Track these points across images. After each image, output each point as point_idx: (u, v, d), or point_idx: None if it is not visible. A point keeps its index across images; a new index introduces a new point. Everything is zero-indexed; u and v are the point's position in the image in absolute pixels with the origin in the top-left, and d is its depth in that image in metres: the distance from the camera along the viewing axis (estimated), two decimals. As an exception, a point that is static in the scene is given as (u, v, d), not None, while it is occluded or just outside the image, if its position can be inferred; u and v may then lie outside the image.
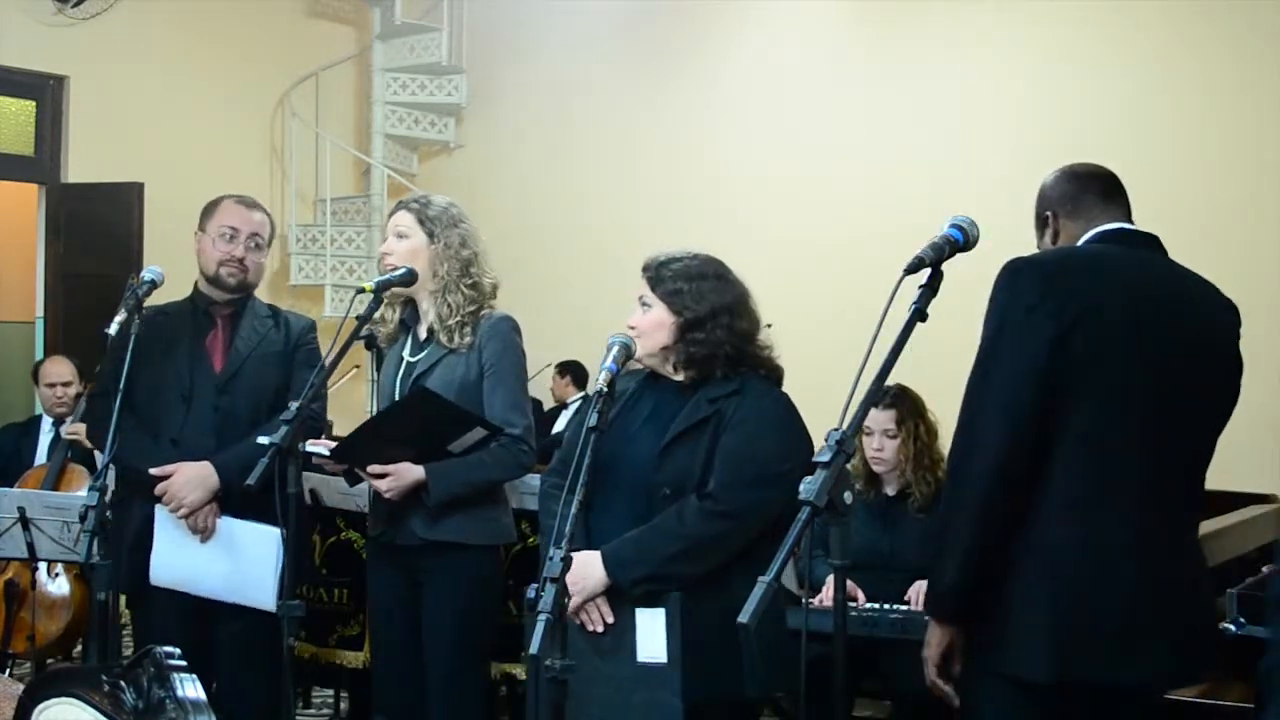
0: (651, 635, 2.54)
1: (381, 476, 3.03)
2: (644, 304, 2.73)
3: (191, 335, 3.35)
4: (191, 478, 3.19)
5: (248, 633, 3.20)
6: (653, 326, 2.69)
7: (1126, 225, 2.40)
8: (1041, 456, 2.18)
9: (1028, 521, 2.19)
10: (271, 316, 3.45)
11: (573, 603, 2.55)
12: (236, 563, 3.19)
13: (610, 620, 2.58)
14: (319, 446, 3.10)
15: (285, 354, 3.38)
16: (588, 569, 2.56)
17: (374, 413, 3.35)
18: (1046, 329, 2.17)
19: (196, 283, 3.43)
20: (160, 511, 3.23)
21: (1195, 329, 2.29)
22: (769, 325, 2.80)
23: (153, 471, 3.19)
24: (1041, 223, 2.46)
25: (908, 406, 3.80)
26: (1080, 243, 2.38)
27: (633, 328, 2.73)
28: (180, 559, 3.23)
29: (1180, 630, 2.22)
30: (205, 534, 3.21)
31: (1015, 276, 2.22)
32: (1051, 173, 2.49)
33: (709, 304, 2.69)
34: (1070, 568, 2.17)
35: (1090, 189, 2.43)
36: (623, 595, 2.57)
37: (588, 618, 2.58)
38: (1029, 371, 2.16)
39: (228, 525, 3.22)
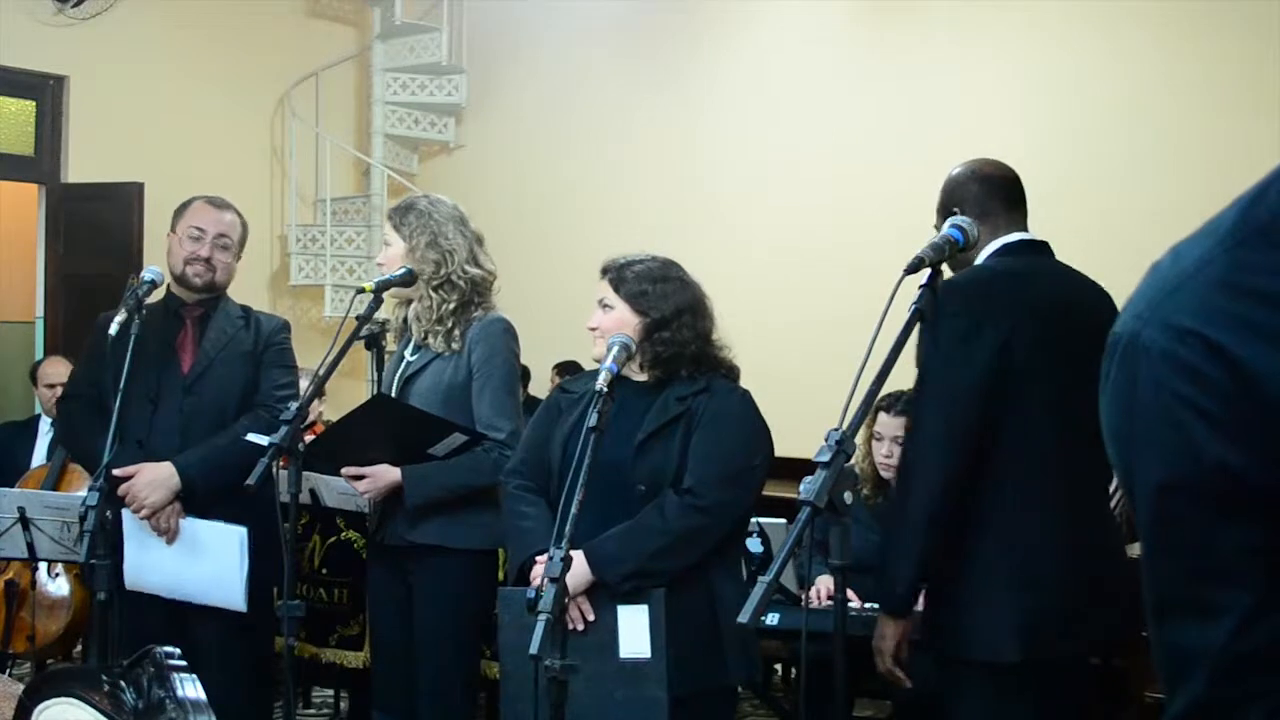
0: (634, 631, 2.56)
1: (359, 478, 3.04)
2: (605, 306, 2.78)
3: (161, 336, 3.34)
4: (152, 479, 3.18)
5: (226, 632, 3.20)
6: (616, 326, 2.74)
7: (1027, 235, 2.60)
8: (986, 462, 2.41)
9: (984, 521, 2.42)
10: (243, 317, 3.45)
11: None
12: (203, 564, 3.20)
13: (591, 618, 2.60)
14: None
15: (253, 354, 3.38)
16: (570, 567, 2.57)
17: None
18: (978, 350, 2.38)
19: (169, 284, 3.43)
20: (127, 514, 3.23)
21: (1098, 328, 2.49)
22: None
23: (116, 472, 3.18)
24: (946, 214, 2.54)
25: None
26: (987, 253, 2.55)
27: (594, 329, 2.77)
28: (149, 562, 3.23)
29: (1116, 599, 2.48)
30: (169, 535, 3.21)
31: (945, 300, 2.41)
32: (961, 166, 2.61)
33: (673, 304, 2.75)
34: (1025, 560, 2.41)
35: (997, 195, 2.59)
36: (603, 592, 2.60)
37: (568, 616, 2.57)
38: (965, 389, 2.39)
39: (191, 526, 3.22)
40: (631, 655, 2.56)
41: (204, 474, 3.20)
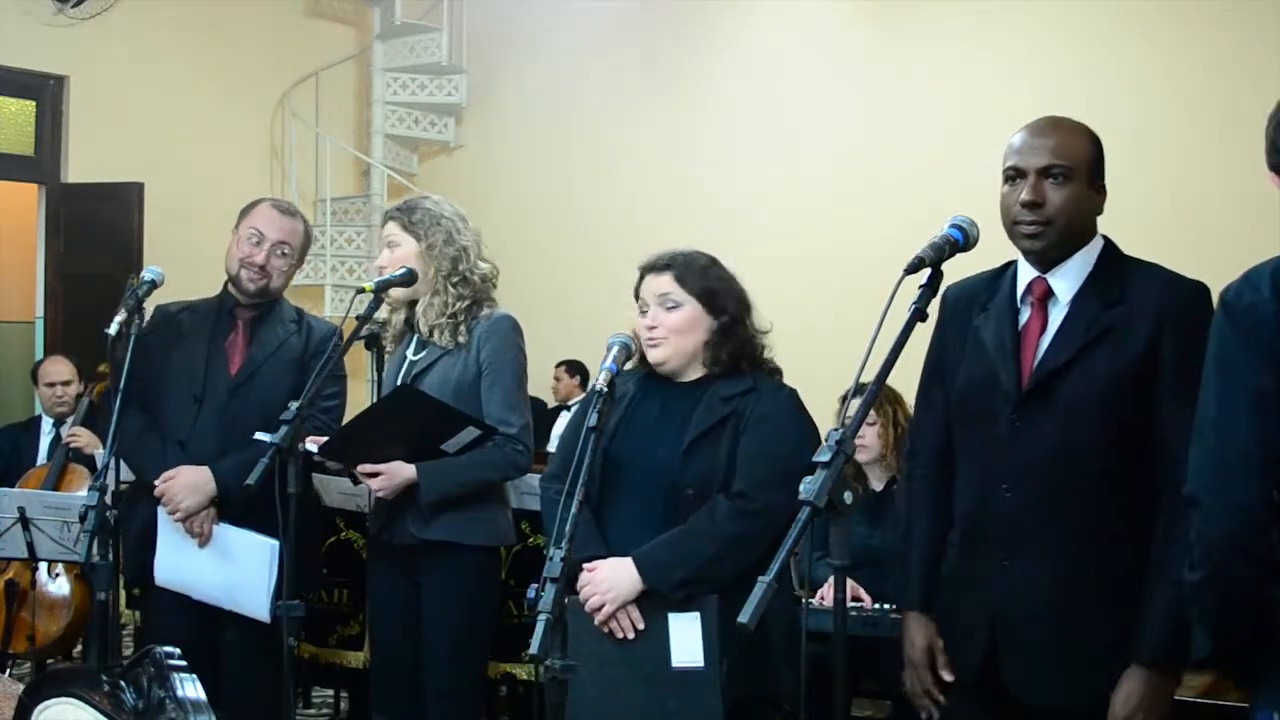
0: (686, 640, 2.49)
1: (374, 475, 3.03)
2: (671, 304, 2.64)
3: (211, 335, 3.30)
4: (189, 483, 3.16)
5: (250, 635, 3.19)
6: (687, 326, 2.63)
7: None
8: None
9: None
10: (296, 321, 3.38)
11: (605, 610, 2.52)
12: (231, 571, 3.18)
13: (641, 626, 2.53)
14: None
15: (302, 359, 3.29)
16: (619, 575, 2.52)
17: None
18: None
19: (225, 283, 3.37)
20: (162, 513, 3.22)
21: None
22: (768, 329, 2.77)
23: (157, 481, 3.18)
24: (1100, 184, 2.28)
25: (883, 393, 3.80)
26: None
27: (653, 328, 2.64)
28: (179, 562, 3.23)
29: None
30: (202, 539, 3.20)
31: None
32: (1085, 126, 2.32)
33: (736, 301, 2.67)
34: None
35: None
36: (653, 600, 2.52)
37: (617, 625, 2.53)
38: None
39: (224, 533, 3.20)
40: (684, 664, 2.48)
41: (241, 482, 3.14)
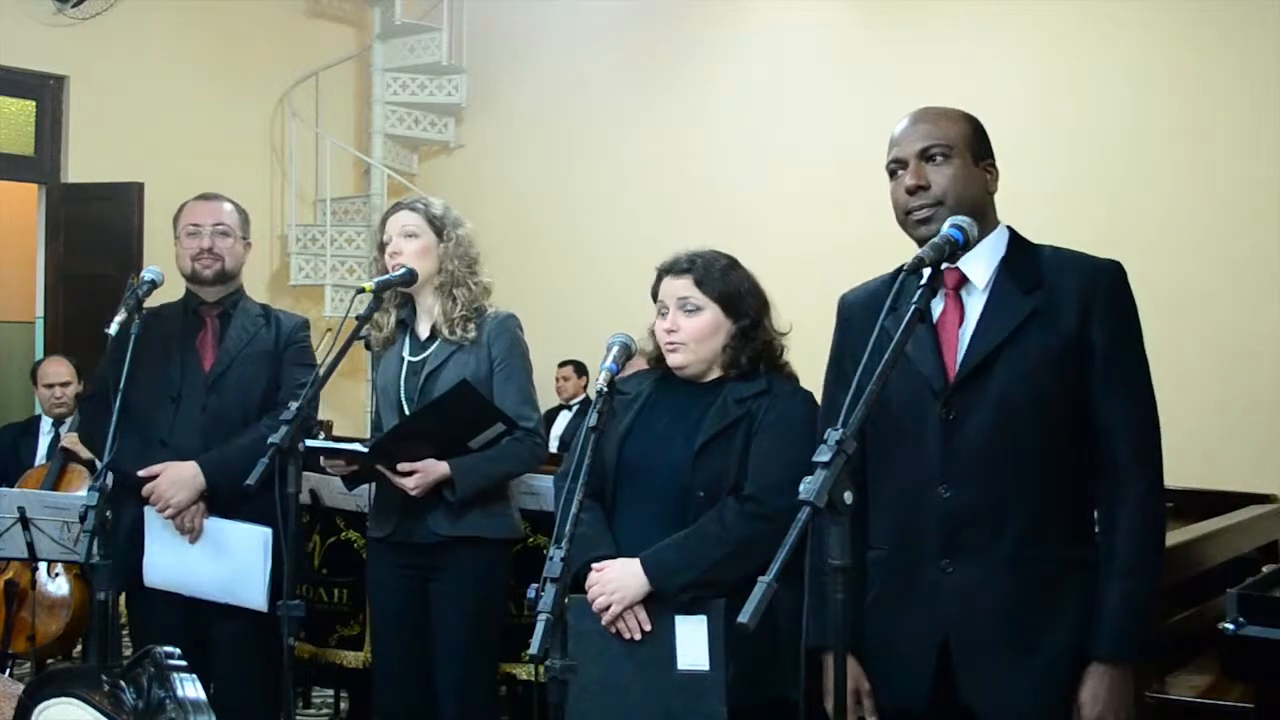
0: (692, 643, 2.49)
1: (408, 474, 3.03)
2: (692, 307, 2.63)
3: (181, 336, 3.36)
4: (177, 478, 3.19)
5: (243, 632, 3.20)
6: (707, 331, 2.62)
7: None
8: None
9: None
10: (263, 315, 3.45)
11: (611, 611, 2.51)
12: (225, 563, 3.19)
13: (648, 628, 2.52)
14: (351, 445, 3.10)
15: (274, 353, 3.38)
16: (627, 576, 2.52)
17: (374, 413, 3.36)
18: None
19: (187, 286, 3.44)
20: (149, 512, 3.23)
21: None
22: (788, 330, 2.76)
23: (141, 473, 3.19)
24: (988, 163, 2.21)
25: None
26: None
27: (672, 331, 2.62)
28: (171, 560, 3.23)
29: None
30: (193, 535, 3.21)
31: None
32: (960, 110, 2.25)
33: (756, 304, 2.66)
34: None
35: None
36: (661, 602, 2.52)
37: (624, 626, 2.53)
38: None
39: (215, 526, 3.22)
40: (689, 667, 2.48)
41: (228, 474, 3.17)
